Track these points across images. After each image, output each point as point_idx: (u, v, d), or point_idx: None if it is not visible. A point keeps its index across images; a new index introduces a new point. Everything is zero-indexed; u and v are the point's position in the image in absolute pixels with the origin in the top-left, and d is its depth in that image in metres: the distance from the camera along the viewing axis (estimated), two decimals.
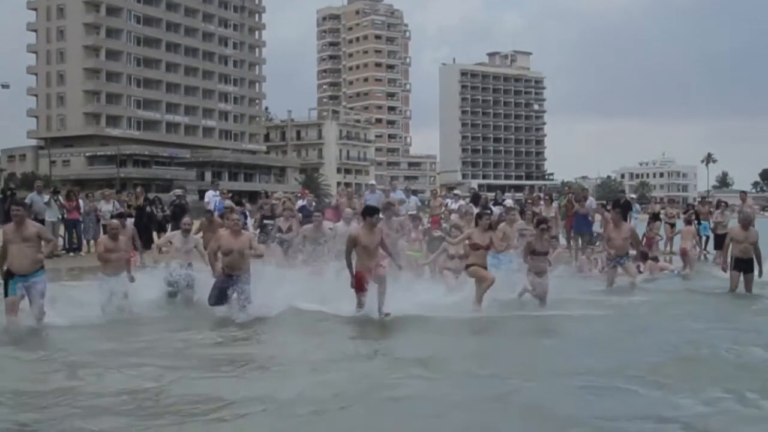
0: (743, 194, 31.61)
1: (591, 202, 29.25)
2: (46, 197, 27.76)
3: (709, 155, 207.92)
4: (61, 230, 28.44)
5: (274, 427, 8.12)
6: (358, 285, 14.65)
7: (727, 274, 18.86)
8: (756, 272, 18.26)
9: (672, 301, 18.11)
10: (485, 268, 16.18)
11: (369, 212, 15.29)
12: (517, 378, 10.06)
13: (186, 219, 19.38)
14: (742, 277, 18.37)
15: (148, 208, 28.85)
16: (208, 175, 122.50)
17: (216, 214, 27.73)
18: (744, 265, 18.26)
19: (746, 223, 18.44)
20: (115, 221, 16.20)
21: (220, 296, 14.91)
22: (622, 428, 7.98)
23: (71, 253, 28.06)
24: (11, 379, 10.17)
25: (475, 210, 24.96)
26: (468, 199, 28.61)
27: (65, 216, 27.88)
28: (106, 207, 27.98)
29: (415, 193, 34.58)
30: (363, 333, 13.78)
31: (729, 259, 18.75)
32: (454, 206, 26.62)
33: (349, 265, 14.68)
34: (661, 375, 10.07)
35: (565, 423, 8.10)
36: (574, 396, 9.15)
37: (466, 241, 16.75)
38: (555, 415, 8.41)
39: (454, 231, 18.62)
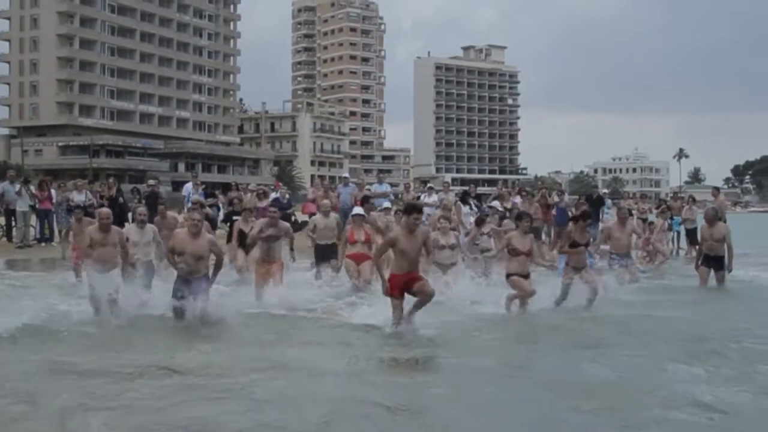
0: (715, 190, 31.81)
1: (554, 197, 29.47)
2: (17, 187, 27.67)
3: (681, 151, 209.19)
4: (33, 220, 28.38)
5: None
6: (395, 291, 12.44)
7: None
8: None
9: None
10: (527, 276, 14.78)
11: (411, 210, 12.82)
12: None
13: (160, 208, 19.28)
14: (713, 273, 18.22)
15: (120, 199, 28.70)
16: (181, 167, 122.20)
17: (189, 205, 27.82)
18: (712, 262, 18.22)
19: (710, 219, 18.31)
20: (105, 209, 14.51)
21: (178, 311, 13.48)
22: None
23: (43, 244, 27.97)
24: None
25: (465, 208, 24.95)
26: (457, 196, 28.16)
27: (37, 206, 27.78)
28: (78, 197, 27.81)
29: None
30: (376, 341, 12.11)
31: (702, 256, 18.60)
32: (428, 200, 26.60)
33: (380, 269, 12.78)
34: None
35: None
36: None
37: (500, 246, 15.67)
38: None
39: (442, 222, 18.13)
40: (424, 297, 12.37)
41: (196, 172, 37.23)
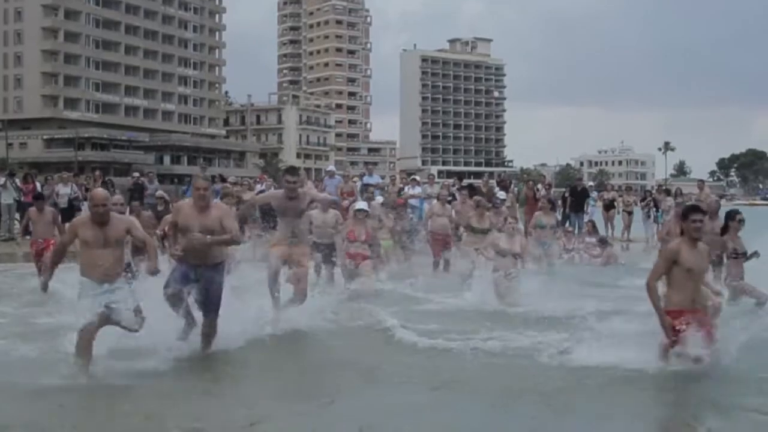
0: (701, 183, 31.99)
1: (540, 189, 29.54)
2: (2, 179, 27.62)
3: (667, 144, 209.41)
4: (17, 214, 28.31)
5: None
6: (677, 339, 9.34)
7: None
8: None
9: None
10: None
11: (691, 211, 9.92)
12: None
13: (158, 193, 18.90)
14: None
15: None
16: (167, 159, 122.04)
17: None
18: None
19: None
20: (101, 190, 10.54)
21: (175, 296, 10.56)
22: None
23: (27, 237, 27.87)
24: None
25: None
26: (460, 189, 27.55)
27: (22, 199, 27.70)
28: (63, 190, 27.83)
29: None
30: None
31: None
32: (413, 192, 26.50)
33: (657, 307, 9.47)
34: None
35: None
36: None
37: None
38: None
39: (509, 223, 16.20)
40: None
41: (205, 165, 36.99)
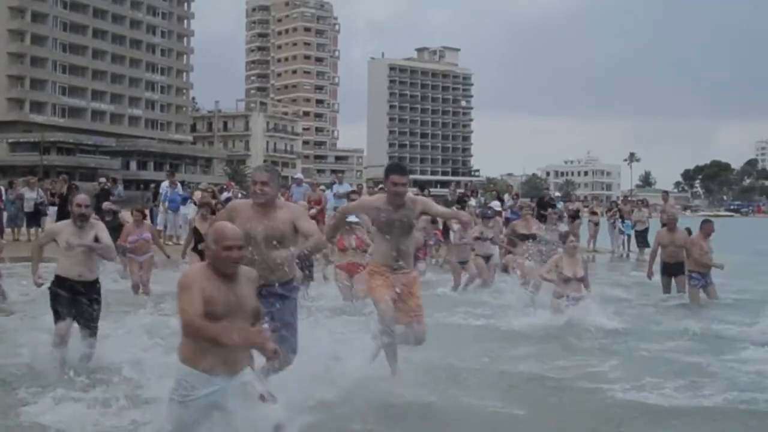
0: (665, 194, 32.25)
1: (507, 199, 29.67)
2: None
3: (632, 155, 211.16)
4: None
5: None
6: None
7: (653, 280, 18.49)
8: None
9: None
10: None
11: None
12: None
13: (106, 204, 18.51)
14: (673, 281, 17.86)
15: (70, 197, 28.50)
16: (133, 165, 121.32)
17: (167, 204, 27.92)
18: (673, 269, 17.75)
19: (672, 224, 17.95)
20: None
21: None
22: None
23: None
24: None
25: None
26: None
27: None
28: (30, 194, 27.71)
29: None
30: None
31: (658, 265, 18.27)
32: None
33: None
34: None
35: None
36: None
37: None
38: None
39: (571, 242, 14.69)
40: None
41: (172, 170, 36.81)
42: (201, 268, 6.19)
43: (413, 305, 9.20)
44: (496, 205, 24.31)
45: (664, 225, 19.48)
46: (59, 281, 10.16)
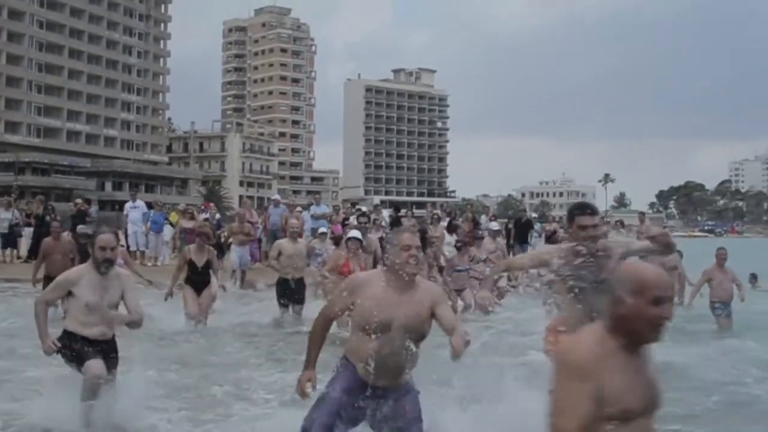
0: (641, 215, 32.22)
1: (484, 220, 29.72)
2: None
3: (607, 176, 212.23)
4: None
5: None
6: None
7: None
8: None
9: None
10: None
11: None
12: None
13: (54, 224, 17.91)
14: None
15: (47, 218, 28.39)
16: (108, 185, 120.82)
17: (149, 225, 27.91)
18: None
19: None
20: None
21: None
22: None
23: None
24: None
25: (448, 237, 23.72)
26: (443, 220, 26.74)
27: None
28: (5, 215, 27.56)
29: None
30: None
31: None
32: (356, 222, 26.28)
33: None
34: None
35: None
36: None
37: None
38: None
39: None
40: None
41: (135, 191, 36.50)
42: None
43: None
44: (494, 225, 24.39)
45: None
46: (70, 337, 8.12)
